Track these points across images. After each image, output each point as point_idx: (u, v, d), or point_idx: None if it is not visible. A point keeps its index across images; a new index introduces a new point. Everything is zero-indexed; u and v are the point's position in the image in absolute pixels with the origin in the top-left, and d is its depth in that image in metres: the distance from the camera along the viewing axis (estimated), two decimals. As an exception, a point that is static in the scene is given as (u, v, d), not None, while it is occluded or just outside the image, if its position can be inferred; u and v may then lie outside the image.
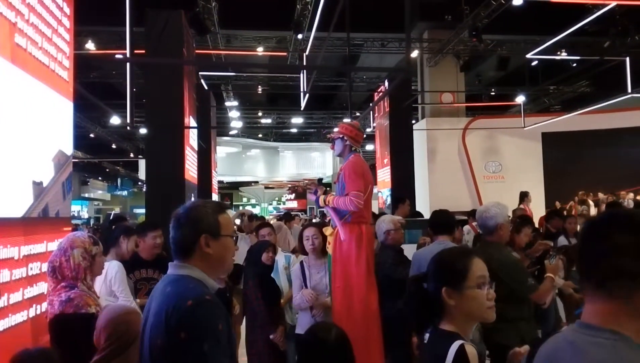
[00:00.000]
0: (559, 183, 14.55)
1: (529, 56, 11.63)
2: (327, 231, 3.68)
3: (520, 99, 15.46)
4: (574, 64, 14.85)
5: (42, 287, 3.10)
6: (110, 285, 3.21)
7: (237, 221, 5.89)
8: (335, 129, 3.86)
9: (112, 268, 3.27)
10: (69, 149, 3.66)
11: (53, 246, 3.24)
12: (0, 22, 2.70)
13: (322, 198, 3.73)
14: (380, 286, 3.51)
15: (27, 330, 2.91)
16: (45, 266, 3.13)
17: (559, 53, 13.58)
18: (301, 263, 3.96)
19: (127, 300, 3.21)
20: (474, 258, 1.68)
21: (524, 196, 9.50)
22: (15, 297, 2.80)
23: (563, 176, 14.78)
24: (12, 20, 2.81)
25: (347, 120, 3.89)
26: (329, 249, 3.58)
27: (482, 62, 16.77)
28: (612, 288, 1.04)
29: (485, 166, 15.51)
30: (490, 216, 3.27)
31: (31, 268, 3.00)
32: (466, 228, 5.86)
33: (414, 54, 15.21)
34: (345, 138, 3.72)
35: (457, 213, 6.69)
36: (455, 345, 1.57)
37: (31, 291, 2.98)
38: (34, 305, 3.00)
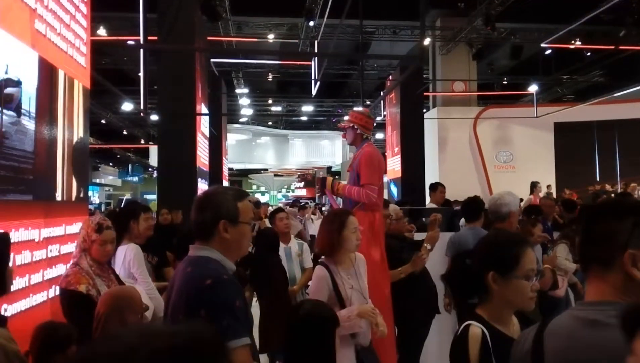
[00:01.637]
0: (571, 173, 14.48)
1: (542, 44, 11.53)
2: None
3: (533, 88, 15.33)
4: (588, 53, 14.68)
5: (61, 269, 3.17)
6: (129, 267, 3.28)
7: None
8: (346, 118, 3.88)
9: (129, 251, 3.34)
10: (86, 135, 3.71)
11: (71, 229, 3.32)
12: (21, 7, 2.74)
13: (329, 181, 3.77)
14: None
15: (47, 309, 2.98)
16: (64, 249, 3.22)
17: (573, 42, 13.43)
18: (326, 267, 2.69)
19: (145, 281, 3.28)
20: (527, 248, 1.68)
21: (533, 186, 9.51)
22: (36, 278, 2.88)
23: (575, 167, 14.71)
24: (32, 6, 2.85)
25: (357, 108, 3.88)
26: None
27: (495, 50, 16.63)
28: (617, 262, 1.11)
29: (496, 156, 15.46)
30: (504, 203, 3.36)
31: (50, 250, 3.07)
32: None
33: (426, 41, 15.09)
34: (356, 126, 3.74)
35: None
36: (464, 325, 1.63)
37: (50, 273, 3.05)
38: (53, 286, 3.07)
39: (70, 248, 3.27)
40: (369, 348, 2.71)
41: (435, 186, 6.57)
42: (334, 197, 3.82)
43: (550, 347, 1.19)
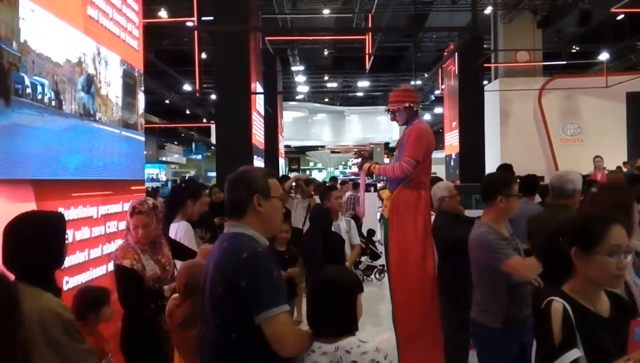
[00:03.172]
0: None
1: (613, 9, 10.69)
2: (385, 194, 3.70)
3: (603, 56, 14.41)
4: (666, 17, 13.55)
5: (119, 244, 3.36)
6: (180, 243, 3.43)
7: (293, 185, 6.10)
8: (390, 98, 3.83)
9: (180, 229, 3.49)
10: (141, 116, 3.87)
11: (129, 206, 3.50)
12: (73, -5, 2.87)
13: (365, 165, 3.83)
14: (438, 251, 3.51)
15: (107, 282, 3.17)
16: (121, 225, 3.40)
17: (648, 5, 12.41)
18: None
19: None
20: (614, 225, 1.66)
21: (594, 161, 9.13)
22: (95, 253, 3.07)
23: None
24: (84, -7, 2.98)
25: (401, 87, 3.85)
26: (386, 212, 3.61)
27: (561, 17, 15.66)
28: None
29: (563, 129, 14.71)
30: (569, 180, 3.33)
31: (109, 226, 3.26)
32: None
33: (488, 10, 14.46)
34: (411, 105, 3.69)
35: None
36: (547, 300, 1.66)
37: (109, 248, 3.23)
38: (112, 261, 3.26)
39: (128, 224, 3.46)
40: None
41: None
42: (366, 178, 3.96)
43: None
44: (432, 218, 3.78)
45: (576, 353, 1.56)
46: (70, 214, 2.78)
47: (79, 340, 1.84)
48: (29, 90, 2.40)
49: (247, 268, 1.69)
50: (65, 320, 1.82)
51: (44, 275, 1.89)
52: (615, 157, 11.68)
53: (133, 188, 3.69)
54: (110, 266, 3.22)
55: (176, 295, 2.57)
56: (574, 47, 17.93)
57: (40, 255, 1.87)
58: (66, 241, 2.03)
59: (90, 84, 2.97)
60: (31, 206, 2.41)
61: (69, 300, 2.55)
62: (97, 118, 3.12)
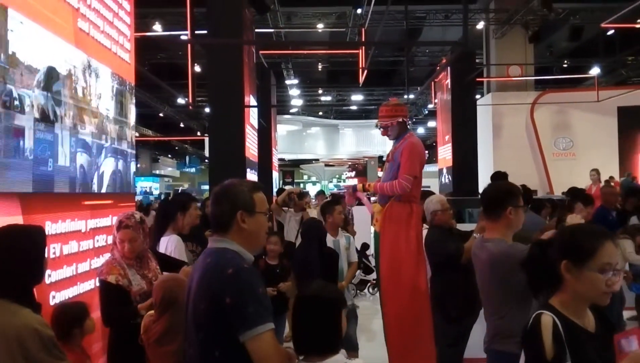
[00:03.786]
0: (635, 160, 13.68)
1: (604, 24, 10.83)
2: (376, 208, 3.69)
3: (594, 71, 14.56)
4: (656, 32, 13.72)
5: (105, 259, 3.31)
6: (170, 257, 3.39)
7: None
8: (381, 116, 3.82)
9: (171, 242, 3.45)
10: (132, 128, 3.84)
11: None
12: (64, 8, 2.86)
13: (359, 186, 3.85)
14: (430, 265, 3.50)
15: (95, 297, 3.12)
16: (110, 239, 3.36)
17: (638, 21, 12.58)
18: None
19: (184, 271, 3.37)
20: (606, 241, 1.64)
21: (590, 174, 9.21)
22: (83, 267, 3.02)
23: (640, 153, 13.88)
24: (75, 5, 2.97)
25: (390, 102, 3.83)
26: (377, 227, 3.60)
27: (553, 32, 15.86)
28: None
29: (555, 143, 14.82)
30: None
31: (97, 241, 3.21)
32: None
33: (480, 25, 14.61)
34: (403, 119, 3.71)
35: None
36: (535, 314, 1.64)
37: (98, 262, 3.18)
38: (97, 276, 3.21)
39: (117, 238, 3.41)
40: None
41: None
42: (365, 196, 3.96)
43: None
44: (425, 231, 3.76)
45: None
46: (58, 227, 2.75)
47: (58, 356, 1.80)
48: (17, 102, 2.38)
49: (232, 285, 1.65)
50: (44, 337, 1.78)
51: (22, 291, 1.85)
52: (607, 171, 11.75)
53: (123, 201, 3.65)
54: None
55: (151, 312, 2.52)
56: (565, 62, 18.12)
57: (18, 270, 1.84)
58: (45, 256, 2.00)
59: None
60: (18, 219, 2.38)
61: (54, 315, 2.51)
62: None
